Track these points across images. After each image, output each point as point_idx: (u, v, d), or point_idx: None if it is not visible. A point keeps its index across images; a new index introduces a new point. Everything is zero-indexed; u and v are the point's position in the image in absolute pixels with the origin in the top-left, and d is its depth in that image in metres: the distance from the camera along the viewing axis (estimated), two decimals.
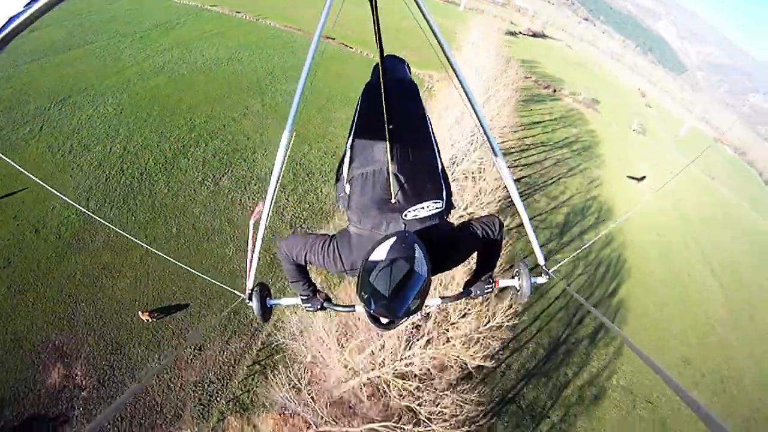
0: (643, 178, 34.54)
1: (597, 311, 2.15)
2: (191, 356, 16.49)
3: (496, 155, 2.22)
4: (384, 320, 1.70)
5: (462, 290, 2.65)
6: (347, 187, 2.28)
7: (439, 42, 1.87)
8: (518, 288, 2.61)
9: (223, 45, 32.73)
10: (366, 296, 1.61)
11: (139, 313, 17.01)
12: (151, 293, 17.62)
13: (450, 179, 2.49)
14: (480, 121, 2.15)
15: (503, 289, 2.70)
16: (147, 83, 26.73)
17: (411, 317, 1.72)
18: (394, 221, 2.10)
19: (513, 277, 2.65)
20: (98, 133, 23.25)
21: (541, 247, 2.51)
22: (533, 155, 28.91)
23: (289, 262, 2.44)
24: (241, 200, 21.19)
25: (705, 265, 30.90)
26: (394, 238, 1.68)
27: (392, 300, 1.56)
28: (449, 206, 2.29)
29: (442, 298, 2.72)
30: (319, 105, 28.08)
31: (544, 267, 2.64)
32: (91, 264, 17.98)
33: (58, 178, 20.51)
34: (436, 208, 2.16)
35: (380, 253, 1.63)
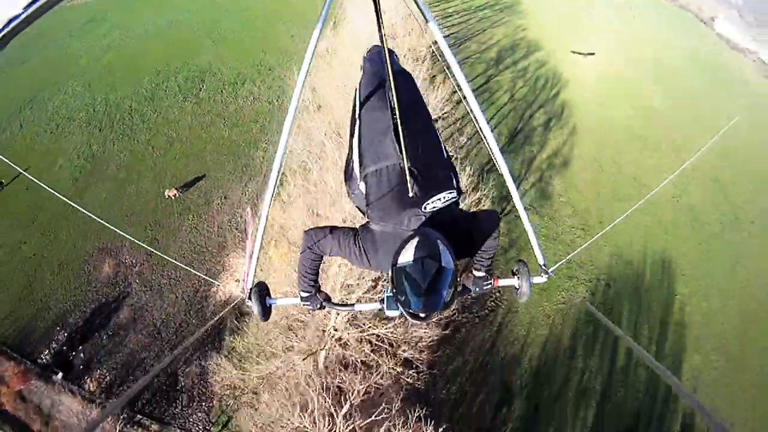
0: (591, 54, 32.00)
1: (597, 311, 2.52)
2: (220, 203, 20.34)
3: (496, 156, 2.39)
4: (422, 314, 1.79)
5: (462, 288, 2.71)
6: (362, 186, 2.35)
7: (441, 48, 2.06)
8: (518, 287, 2.68)
9: (159, 15, 35.73)
10: (404, 298, 1.74)
11: (165, 192, 20.92)
12: (170, 177, 21.41)
13: (455, 164, 2.43)
14: (480, 126, 2.31)
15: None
16: (102, 60, 30.02)
17: (450, 305, 1.80)
18: (415, 215, 2.14)
19: (513, 277, 2.72)
20: (76, 105, 26.55)
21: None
22: (456, 18, 33.12)
23: (311, 252, 2.46)
24: (223, 101, 25.07)
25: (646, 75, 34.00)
26: (417, 238, 1.78)
27: (429, 297, 1.71)
28: (460, 194, 2.35)
29: None
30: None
31: (543, 267, 2.74)
32: (112, 184, 21.91)
33: (54, 148, 23.95)
34: (452, 197, 2.22)
35: (408, 256, 1.74)
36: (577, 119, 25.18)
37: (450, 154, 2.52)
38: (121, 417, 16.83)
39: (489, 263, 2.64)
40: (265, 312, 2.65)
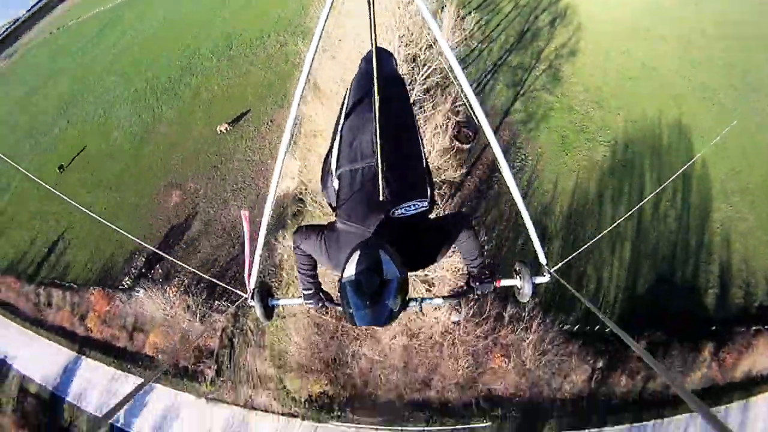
0: None
1: (586, 299, 2.37)
2: (267, 127, 23.57)
3: (501, 164, 2.57)
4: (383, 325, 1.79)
5: (464, 289, 2.83)
6: (335, 182, 2.43)
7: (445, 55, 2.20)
8: (519, 287, 2.73)
9: (169, 9, 39.95)
10: (349, 316, 1.76)
11: (217, 127, 24.39)
12: (219, 118, 24.95)
13: (433, 178, 2.60)
14: (488, 135, 2.45)
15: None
16: (128, 54, 34.31)
17: (402, 313, 1.83)
18: (381, 219, 2.17)
19: (514, 276, 2.78)
20: (117, 92, 30.84)
21: None
22: None
23: (299, 253, 2.56)
24: (253, 53, 28.54)
25: None
26: (358, 252, 1.78)
27: (372, 310, 1.70)
28: (432, 205, 2.45)
29: (444, 297, 2.90)
30: None
31: (545, 266, 2.78)
32: (168, 137, 25.81)
33: (106, 127, 28.53)
34: (422, 206, 2.30)
35: (350, 270, 1.74)
36: (582, 18, 26.78)
37: (430, 165, 2.40)
38: (203, 301, 19.91)
39: (480, 262, 2.65)
40: (268, 312, 2.75)
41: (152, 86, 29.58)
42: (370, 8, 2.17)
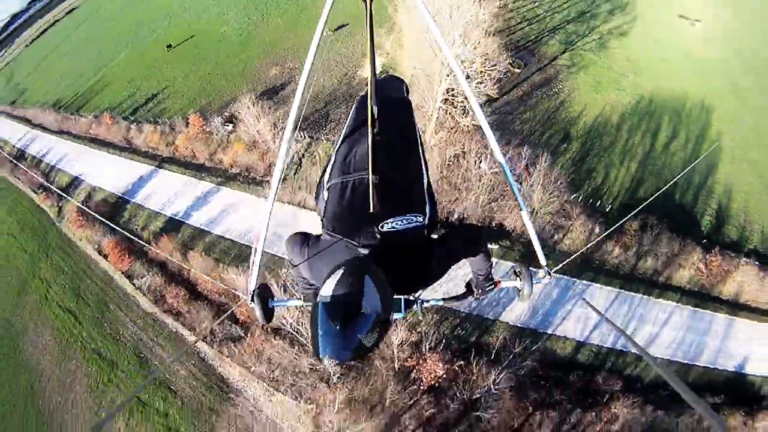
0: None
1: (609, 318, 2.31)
2: (361, 36, 30.13)
3: (497, 157, 2.81)
4: (346, 360, 1.69)
5: (464, 291, 2.92)
6: (325, 194, 2.49)
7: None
8: (520, 289, 2.78)
9: None
10: (314, 339, 1.65)
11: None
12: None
13: (435, 198, 2.64)
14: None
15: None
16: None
17: (375, 350, 1.71)
18: (369, 232, 2.16)
19: (515, 278, 2.84)
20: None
21: None
22: None
23: (288, 260, 2.72)
24: None
25: None
26: (341, 270, 1.71)
27: (338, 340, 1.59)
28: (432, 223, 2.43)
29: (444, 299, 3.00)
30: None
31: (545, 268, 2.90)
32: (274, 34, 32.64)
33: (218, 20, 37.06)
34: (416, 222, 2.25)
35: (328, 289, 1.67)
36: (640, 11, 32.53)
37: (431, 184, 2.62)
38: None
39: (486, 274, 2.74)
40: (267, 314, 2.77)
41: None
42: (367, 19, 2.41)
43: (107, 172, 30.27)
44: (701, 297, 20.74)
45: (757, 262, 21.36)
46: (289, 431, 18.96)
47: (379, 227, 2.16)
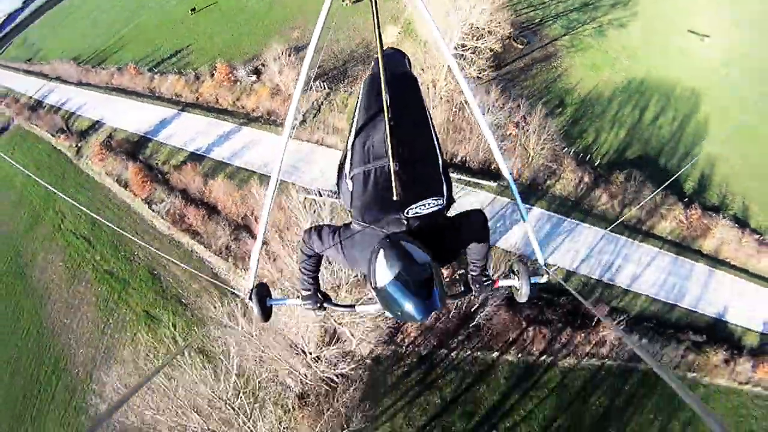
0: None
1: (587, 302, 2.49)
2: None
3: (497, 157, 2.97)
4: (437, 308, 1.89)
5: (463, 289, 3.02)
6: (349, 184, 2.60)
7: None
8: (518, 288, 2.91)
9: None
10: (402, 314, 1.86)
11: (343, 2, 33.62)
12: None
13: (450, 174, 2.75)
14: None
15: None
16: None
17: (446, 290, 1.93)
18: (396, 219, 2.32)
19: (512, 277, 2.97)
20: None
21: None
22: None
23: (305, 250, 2.79)
24: None
25: None
26: (382, 251, 1.92)
27: (429, 300, 1.82)
28: (450, 202, 2.59)
29: None
30: None
31: (543, 267, 2.99)
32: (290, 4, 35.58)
33: None
34: (437, 205, 2.40)
35: (385, 274, 1.86)
36: (640, 7, 35.51)
37: (445, 161, 2.72)
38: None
39: (483, 264, 2.88)
40: (265, 313, 2.94)
41: None
42: (373, 7, 2.37)
43: (129, 117, 32.46)
44: (682, 248, 23.27)
45: (736, 225, 24.02)
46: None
47: (405, 213, 2.31)
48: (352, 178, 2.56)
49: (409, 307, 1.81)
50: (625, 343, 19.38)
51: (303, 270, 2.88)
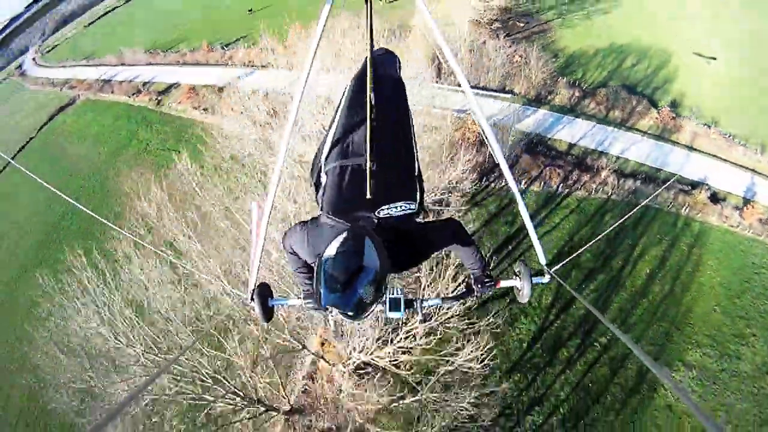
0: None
1: (593, 307, 2.51)
2: None
3: (497, 157, 3.02)
4: (349, 313, 2.02)
5: (464, 291, 3.25)
6: (324, 177, 2.78)
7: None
8: (519, 288, 3.08)
9: None
10: (317, 294, 2.01)
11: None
12: None
13: (424, 183, 2.93)
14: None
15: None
16: None
17: (373, 307, 2.06)
18: (366, 217, 2.52)
19: (514, 278, 3.14)
20: None
21: None
22: None
23: (287, 250, 2.99)
24: None
25: None
26: (345, 233, 2.07)
27: (342, 293, 1.93)
28: (420, 209, 2.80)
29: (443, 298, 3.42)
30: None
31: (545, 267, 3.10)
32: None
33: None
34: (409, 208, 2.63)
35: (332, 249, 2.01)
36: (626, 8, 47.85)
37: (420, 169, 2.94)
38: None
39: (480, 265, 3.07)
40: (267, 313, 3.12)
41: None
42: (367, 7, 2.51)
43: (204, 79, 41.07)
44: (661, 138, 32.68)
45: (705, 125, 32.61)
46: None
47: (376, 213, 2.52)
48: (327, 171, 2.76)
49: (323, 286, 1.99)
50: (623, 184, 27.71)
51: (297, 272, 3.13)
